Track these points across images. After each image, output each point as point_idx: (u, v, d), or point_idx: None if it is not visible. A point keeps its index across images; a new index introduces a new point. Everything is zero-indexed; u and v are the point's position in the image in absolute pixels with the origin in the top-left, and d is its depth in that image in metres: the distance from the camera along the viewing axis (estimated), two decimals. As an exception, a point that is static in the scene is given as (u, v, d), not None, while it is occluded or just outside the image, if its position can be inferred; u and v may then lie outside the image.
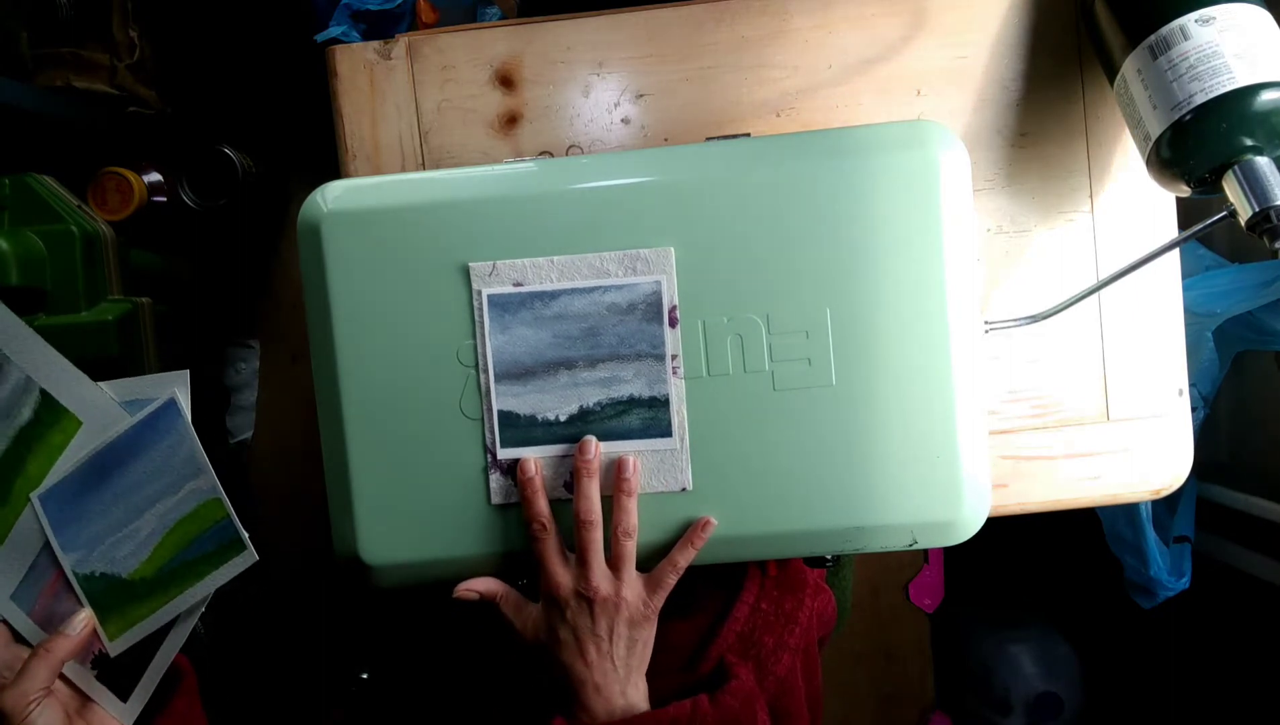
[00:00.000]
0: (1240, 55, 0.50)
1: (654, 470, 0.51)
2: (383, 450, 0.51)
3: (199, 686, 0.55)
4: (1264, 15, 0.51)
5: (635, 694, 0.49)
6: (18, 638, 0.50)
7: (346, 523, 0.52)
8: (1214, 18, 0.51)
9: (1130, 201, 0.63)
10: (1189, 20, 0.51)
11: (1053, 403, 0.63)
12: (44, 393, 0.49)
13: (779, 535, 0.51)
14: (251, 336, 1.13)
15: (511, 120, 0.64)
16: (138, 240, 0.89)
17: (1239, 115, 0.49)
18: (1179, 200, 0.62)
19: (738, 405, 0.50)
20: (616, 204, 0.50)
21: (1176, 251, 0.60)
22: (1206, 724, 1.09)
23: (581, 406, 0.51)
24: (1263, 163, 0.49)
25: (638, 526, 0.50)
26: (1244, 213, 0.49)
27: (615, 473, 0.50)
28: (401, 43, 0.63)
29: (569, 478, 0.51)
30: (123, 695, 0.50)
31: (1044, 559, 1.24)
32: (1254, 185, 0.49)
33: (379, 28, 0.86)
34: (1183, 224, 0.61)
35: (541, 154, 0.64)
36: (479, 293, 0.50)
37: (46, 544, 0.50)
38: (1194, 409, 0.83)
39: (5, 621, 0.50)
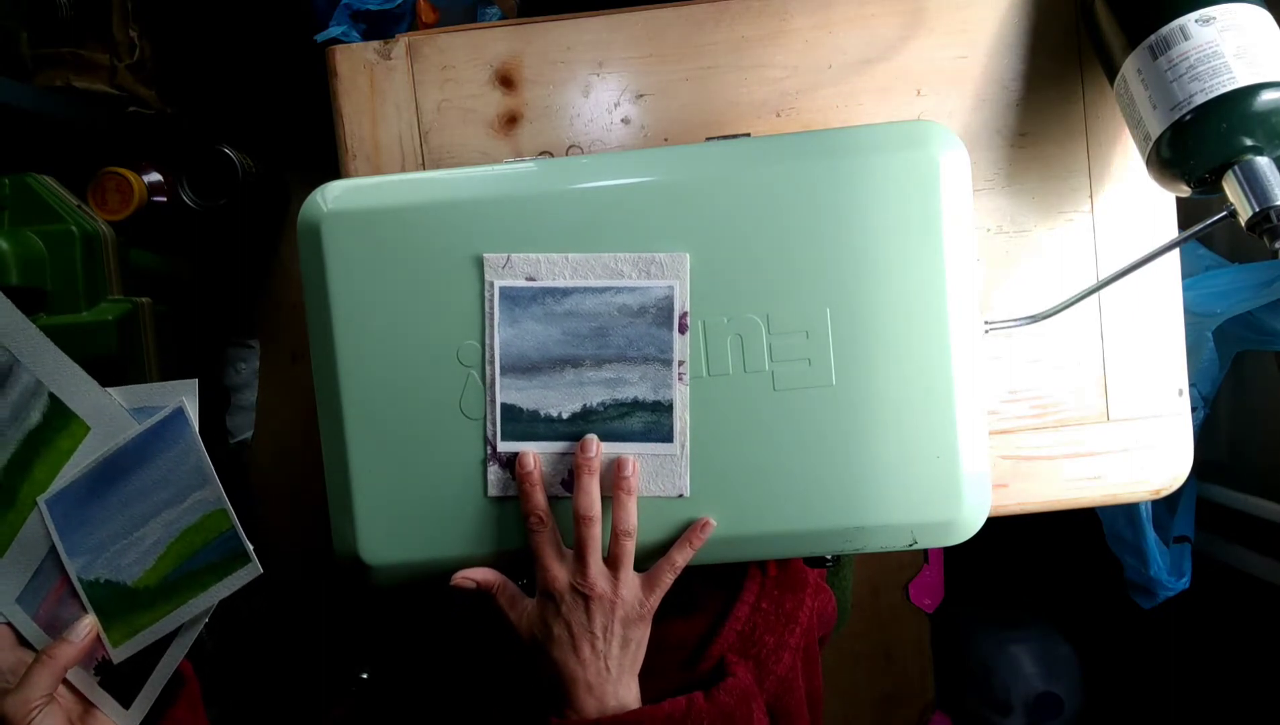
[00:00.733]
0: (1240, 55, 0.50)
1: (653, 474, 0.51)
2: (383, 450, 0.51)
3: (203, 693, 0.55)
4: (1264, 15, 0.51)
5: (628, 694, 0.49)
6: (22, 641, 0.50)
7: (346, 523, 0.52)
8: (1214, 18, 0.51)
9: (1130, 201, 0.63)
10: (1189, 20, 0.51)
11: (1053, 403, 0.63)
12: (53, 397, 0.49)
13: (779, 535, 0.51)
14: (251, 336, 1.13)
15: (511, 120, 0.64)
16: (138, 240, 0.89)
17: (1239, 115, 0.49)
18: (1179, 200, 0.62)
19: (738, 405, 0.50)
20: (616, 204, 0.50)
21: (1176, 251, 0.60)
22: (1206, 724, 1.09)
23: (585, 405, 0.51)
24: (1263, 163, 0.49)
25: (637, 526, 0.50)
26: (1244, 213, 0.49)
27: (615, 471, 0.50)
28: (401, 43, 0.63)
29: (567, 475, 0.51)
30: (125, 702, 0.50)
31: (1044, 559, 1.24)
32: (1254, 185, 0.49)
33: (379, 28, 0.86)
34: (1183, 224, 0.61)
35: (541, 154, 0.64)
36: (491, 284, 0.50)
37: (52, 548, 0.50)
38: (1194, 409, 0.83)
39: (10, 625, 0.50)
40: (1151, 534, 0.91)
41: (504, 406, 0.51)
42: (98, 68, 0.88)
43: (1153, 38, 0.52)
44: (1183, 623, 1.08)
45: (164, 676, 0.51)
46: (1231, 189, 0.50)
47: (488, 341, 0.50)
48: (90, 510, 0.50)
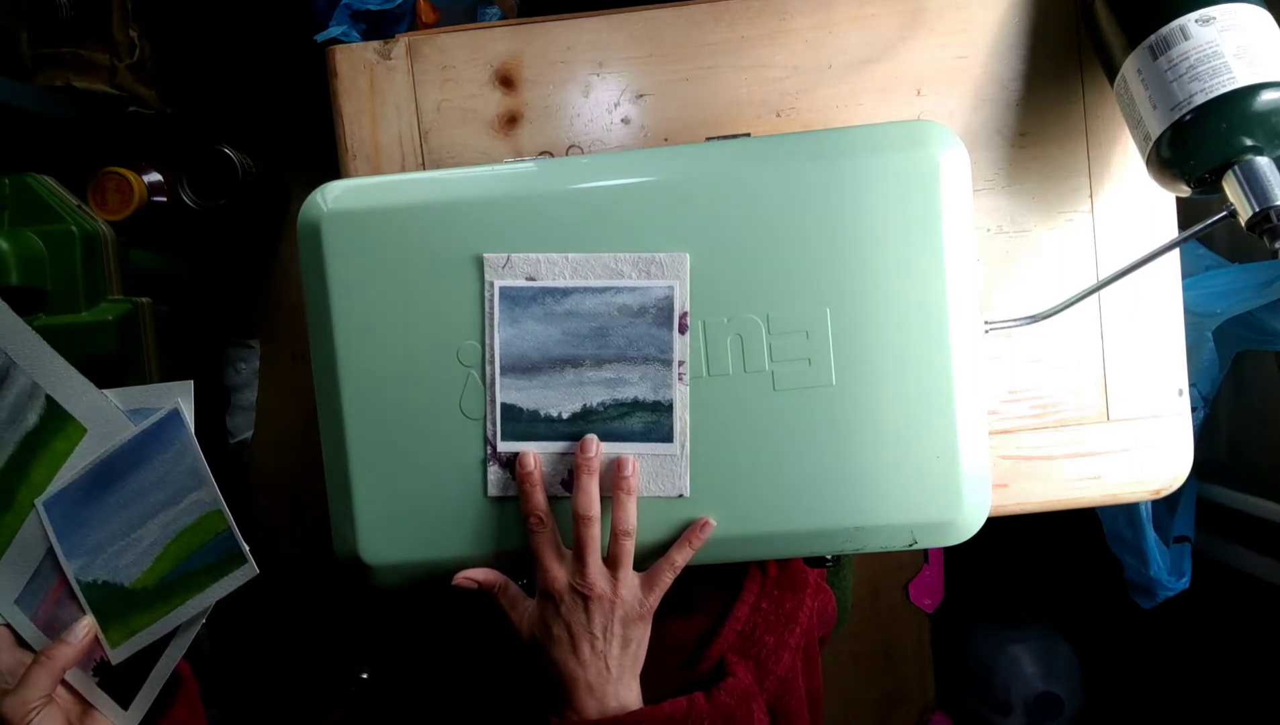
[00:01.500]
0: (1240, 55, 0.50)
1: (652, 474, 0.51)
2: (383, 450, 0.51)
3: (201, 694, 0.55)
4: (1264, 15, 0.51)
5: (628, 695, 0.49)
6: (21, 642, 0.50)
7: (346, 523, 0.52)
8: (1214, 18, 0.51)
9: (1130, 201, 0.63)
10: (1189, 20, 0.51)
11: (1053, 403, 0.63)
12: (50, 399, 0.49)
13: (779, 535, 0.51)
14: (251, 336, 1.13)
15: (511, 120, 0.64)
16: (138, 240, 0.89)
17: (1239, 115, 0.49)
18: (1179, 200, 0.62)
19: (738, 405, 0.50)
20: (616, 204, 0.50)
21: (1176, 251, 0.60)
22: (1206, 724, 1.09)
23: (585, 405, 0.51)
24: (1263, 163, 0.49)
25: (636, 526, 0.50)
26: (1244, 213, 0.49)
27: (615, 471, 0.50)
28: (401, 43, 0.63)
29: (567, 475, 0.51)
30: (124, 703, 0.51)
31: (1044, 559, 1.24)
32: (1254, 185, 0.49)
33: (379, 28, 0.86)
34: (1183, 224, 0.61)
35: (541, 154, 0.64)
36: (491, 284, 0.50)
37: (50, 550, 0.50)
38: (1194, 409, 0.83)
39: (9, 626, 0.50)
40: (1151, 534, 0.91)
41: (504, 406, 0.51)
42: (98, 68, 0.88)
43: (1153, 38, 0.52)
44: (1183, 623, 1.08)
45: (162, 677, 0.51)
46: (1231, 189, 0.50)
47: (488, 341, 0.50)
48: (87, 512, 0.50)
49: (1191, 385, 0.77)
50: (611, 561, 0.49)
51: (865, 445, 0.50)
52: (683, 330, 0.50)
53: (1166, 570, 0.92)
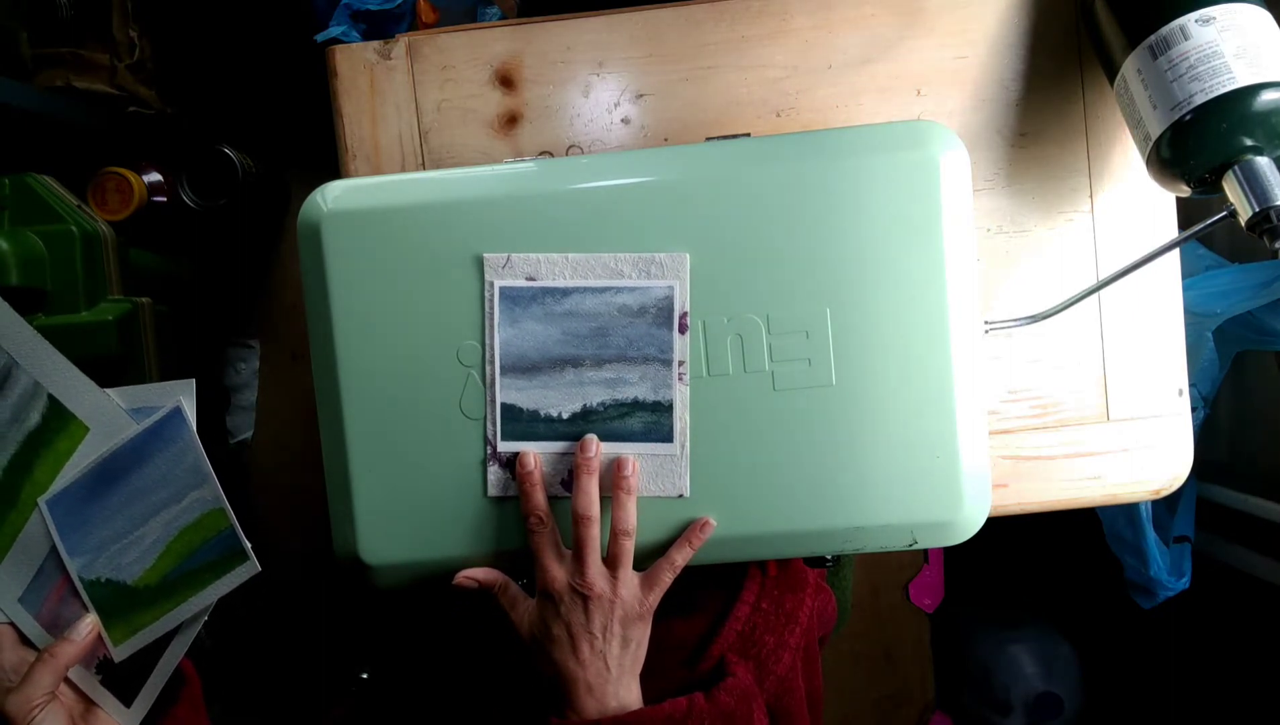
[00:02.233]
0: (1240, 55, 0.50)
1: (652, 474, 0.51)
2: (383, 450, 0.51)
3: (203, 692, 0.55)
4: (1264, 15, 0.51)
5: (628, 695, 0.49)
6: (25, 641, 0.50)
7: (346, 523, 0.52)
8: (1214, 18, 0.51)
9: (1130, 201, 0.63)
10: (1189, 20, 0.51)
11: (1053, 403, 0.64)
12: (52, 398, 0.50)
13: (779, 535, 0.51)
14: (251, 336, 1.13)
15: (511, 120, 0.64)
16: (138, 240, 0.89)
17: (1239, 115, 0.49)
18: (1179, 200, 0.62)
19: (738, 405, 0.50)
20: (616, 204, 0.50)
21: (1176, 251, 0.60)
22: (1206, 724, 1.09)
23: (585, 405, 0.51)
24: (1263, 163, 0.49)
25: (636, 526, 0.50)
26: (1244, 213, 0.49)
27: (615, 471, 0.50)
28: (401, 43, 0.63)
29: (567, 475, 0.51)
30: (127, 700, 0.51)
31: (1044, 559, 1.24)
32: (1254, 185, 0.49)
33: (379, 28, 0.86)
34: (1183, 224, 0.61)
35: (541, 154, 0.64)
36: (491, 284, 0.50)
37: (54, 549, 0.50)
38: (1194, 409, 0.83)
39: (12, 624, 0.50)
40: (1151, 534, 0.91)
41: (504, 406, 0.51)
42: (98, 68, 0.88)
43: (1153, 38, 0.52)
44: (1183, 623, 1.08)
45: (165, 675, 0.51)
46: (1231, 189, 0.50)
47: (488, 341, 0.50)
48: (90, 510, 0.50)
49: (1191, 385, 0.77)
50: (611, 561, 0.49)
51: (865, 445, 0.50)
52: (683, 330, 0.50)
53: (1166, 570, 0.92)
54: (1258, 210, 0.49)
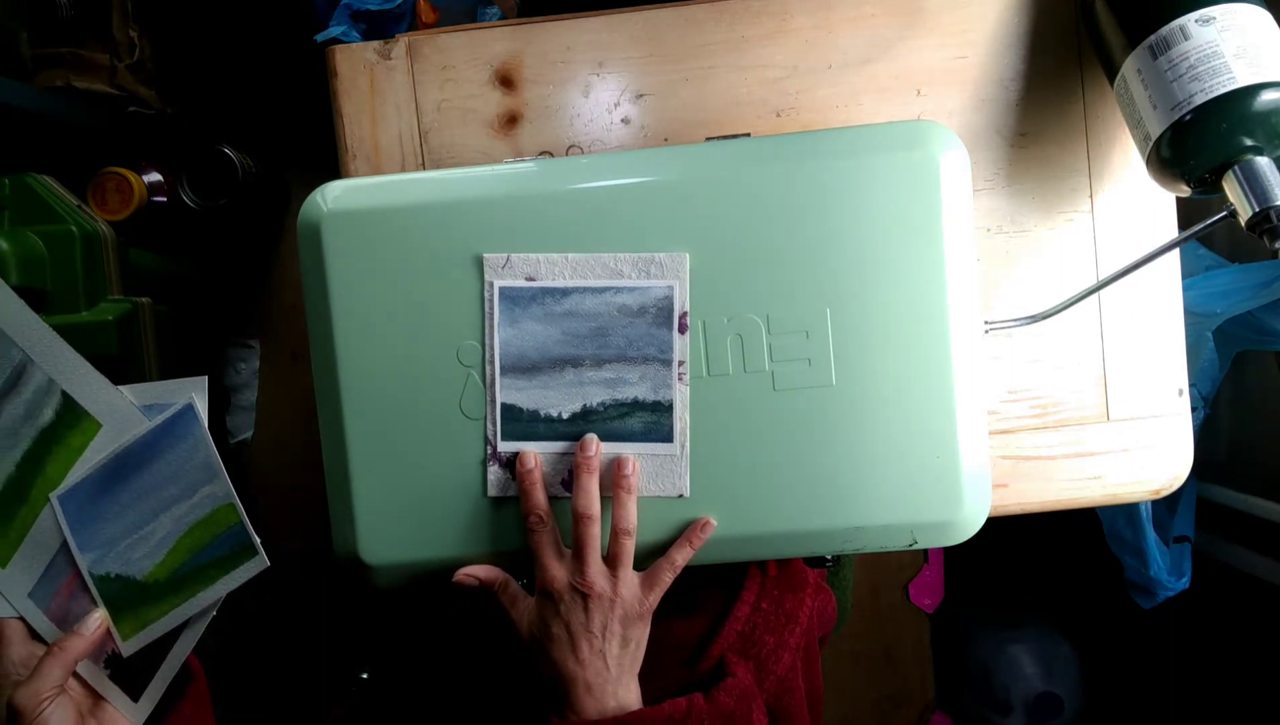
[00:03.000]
0: (1240, 55, 0.50)
1: (652, 474, 0.51)
2: (383, 450, 0.51)
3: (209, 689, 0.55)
4: (1264, 15, 0.51)
5: (627, 695, 0.49)
6: (34, 635, 0.50)
7: (346, 523, 0.52)
8: (1214, 18, 0.51)
9: (1130, 201, 0.63)
10: (1189, 20, 0.51)
11: (1053, 403, 0.64)
12: (65, 395, 0.50)
13: (779, 535, 0.51)
14: (251, 336, 1.13)
15: (511, 120, 0.64)
16: (138, 240, 0.89)
17: (1239, 115, 0.49)
18: (1179, 200, 0.62)
19: (738, 405, 0.50)
20: (616, 204, 0.50)
21: (1176, 251, 0.60)
22: (1206, 724, 1.09)
23: (585, 405, 0.51)
24: (1263, 163, 0.49)
25: (636, 525, 0.50)
26: (1244, 213, 0.49)
27: (615, 470, 0.50)
28: (401, 43, 0.63)
29: (567, 475, 0.51)
30: (134, 695, 0.51)
31: (1044, 559, 1.24)
32: (1254, 185, 0.49)
33: (379, 28, 0.86)
34: (1183, 224, 0.61)
35: (541, 154, 0.64)
36: (491, 284, 0.50)
37: (64, 544, 0.50)
38: (1194, 409, 0.83)
39: (22, 619, 0.50)
40: (1151, 534, 0.91)
41: (504, 406, 0.51)
42: (98, 68, 0.88)
43: (1153, 38, 0.52)
44: (1183, 623, 1.08)
45: (172, 670, 0.51)
46: (1231, 189, 0.50)
47: (488, 341, 0.50)
48: (102, 506, 0.50)
49: (1191, 385, 0.77)
50: (611, 561, 0.49)
51: (865, 445, 0.50)
52: (683, 330, 0.50)
53: (1166, 570, 0.92)
54: (1258, 210, 0.49)
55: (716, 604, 0.58)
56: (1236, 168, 0.50)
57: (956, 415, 0.50)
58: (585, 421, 0.51)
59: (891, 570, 1.16)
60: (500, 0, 0.88)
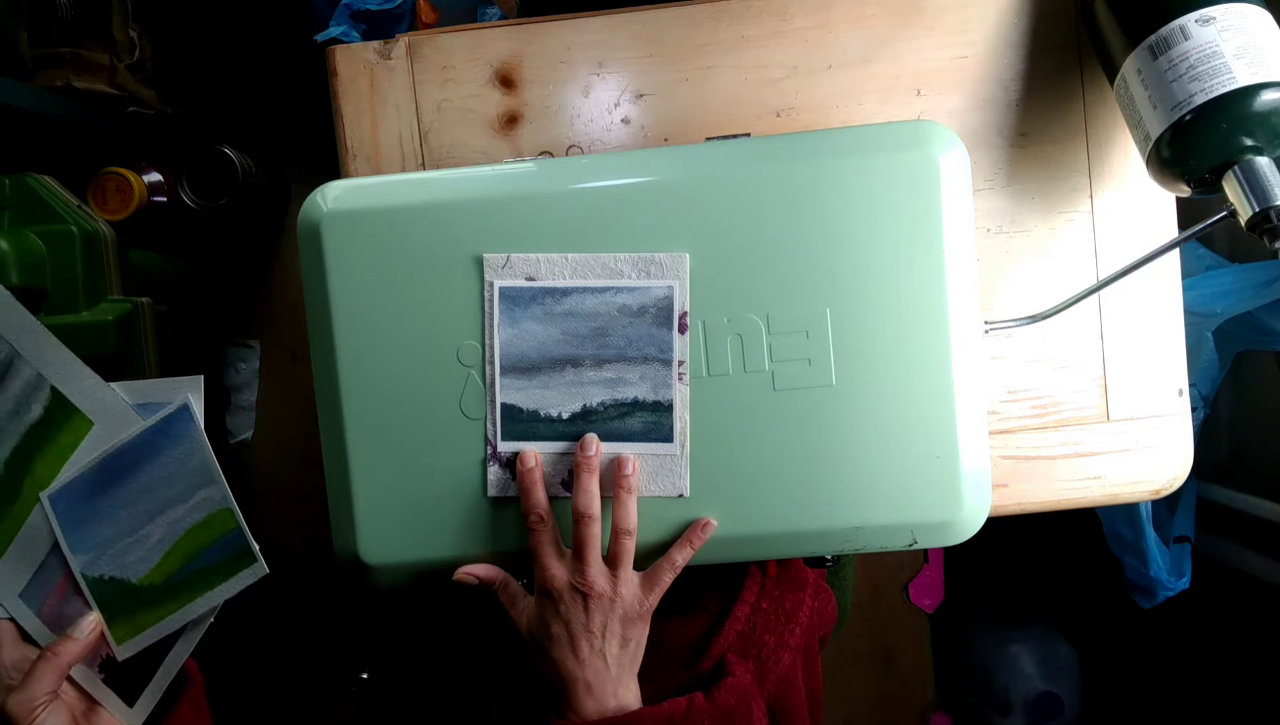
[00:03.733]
0: (1240, 55, 0.50)
1: (652, 474, 0.51)
2: (383, 450, 0.51)
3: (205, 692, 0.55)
4: (1264, 15, 0.51)
5: (627, 694, 0.49)
6: (26, 637, 0.50)
7: (346, 523, 0.52)
8: (1214, 18, 0.51)
9: (1130, 201, 0.63)
10: (1189, 20, 0.51)
11: (1053, 403, 0.64)
12: (55, 391, 0.49)
13: (779, 535, 0.51)
14: (251, 336, 1.13)
15: (511, 120, 0.64)
16: (138, 240, 0.89)
17: (1239, 115, 0.49)
18: (1179, 200, 0.62)
19: (738, 405, 0.50)
20: (616, 204, 0.50)
21: (1176, 251, 0.60)
22: (1206, 724, 1.09)
23: (585, 405, 0.51)
24: (1263, 163, 0.49)
25: (637, 525, 0.50)
26: (1244, 213, 0.49)
27: (615, 470, 0.50)
28: (401, 43, 0.63)
29: (567, 475, 0.51)
30: (130, 700, 0.50)
31: (1044, 559, 1.24)
32: (1254, 185, 0.49)
33: (379, 28, 0.86)
34: (1183, 224, 0.61)
35: (541, 154, 0.64)
36: (491, 284, 0.50)
37: (56, 544, 0.50)
38: (1194, 409, 0.83)
39: (13, 620, 0.50)
40: (1151, 534, 0.91)
41: (504, 406, 0.51)
42: (98, 68, 0.88)
43: (1153, 38, 0.52)
44: (1183, 623, 1.08)
45: (169, 674, 0.51)
46: (1231, 189, 0.50)
47: (488, 341, 0.50)
48: (94, 506, 0.49)
49: (1191, 385, 0.77)
50: (611, 560, 0.49)
51: (865, 445, 0.50)
52: (682, 330, 0.50)
53: (1166, 570, 0.92)
54: (1258, 210, 0.49)
55: (716, 604, 0.58)
56: (1236, 168, 0.50)
57: (956, 415, 0.50)
58: (585, 421, 0.51)
59: (891, 570, 1.16)
60: (500, 0, 0.88)
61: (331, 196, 0.51)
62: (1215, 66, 0.50)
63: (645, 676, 0.51)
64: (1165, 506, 0.96)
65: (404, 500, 0.51)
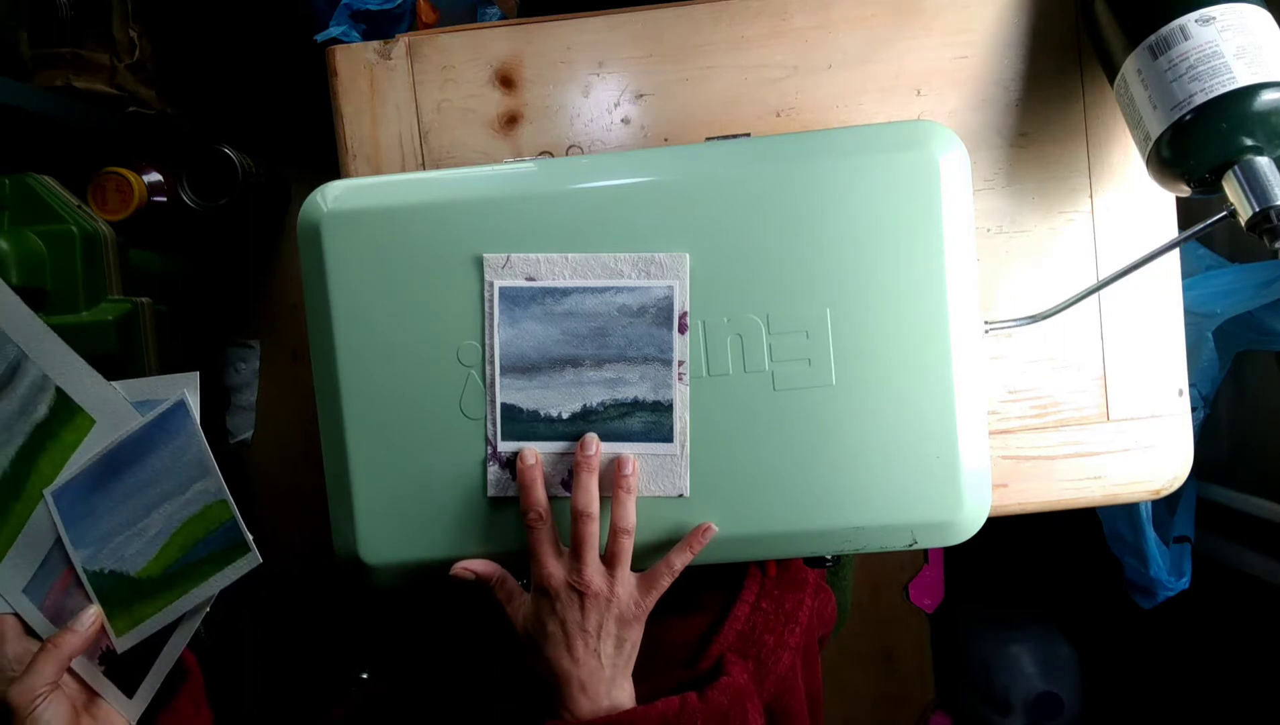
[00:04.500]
0: (1240, 55, 0.50)
1: (652, 474, 0.51)
2: (383, 450, 0.51)
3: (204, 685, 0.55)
4: (1264, 15, 0.51)
5: (621, 694, 0.49)
6: (29, 631, 0.50)
7: (346, 523, 0.52)
8: (1214, 18, 0.51)
9: (1130, 201, 0.63)
10: (1189, 20, 0.51)
11: (1053, 403, 0.64)
12: (59, 391, 0.50)
13: (779, 535, 0.51)
14: (251, 336, 1.13)
15: (511, 120, 0.64)
16: (138, 240, 0.89)
17: (1239, 115, 0.49)
18: (1179, 200, 0.62)
19: (738, 405, 0.50)
20: (616, 204, 0.50)
21: (1176, 251, 0.60)
22: (1206, 724, 1.09)
23: (585, 405, 0.51)
24: (1263, 163, 0.49)
25: (635, 525, 0.50)
26: (1244, 213, 0.49)
27: (615, 470, 0.50)
28: (401, 43, 0.63)
29: (567, 475, 0.51)
30: (129, 691, 0.51)
31: (1044, 559, 1.24)
32: (1254, 185, 0.49)
33: (379, 28, 0.86)
34: (1183, 224, 0.61)
35: (541, 154, 0.64)
36: (491, 285, 0.50)
37: (58, 540, 0.50)
38: (1194, 409, 0.83)
39: (17, 615, 0.50)
40: (1151, 534, 0.91)
41: (504, 406, 0.51)
42: (98, 68, 0.88)
43: (1153, 38, 0.52)
44: (1183, 623, 1.08)
45: (167, 665, 0.51)
46: (1231, 189, 0.50)
47: (488, 341, 0.50)
48: (95, 502, 0.50)
49: (1191, 385, 0.77)
50: (609, 559, 0.49)
51: (865, 445, 0.50)
52: (682, 330, 0.50)
53: (1166, 570, 0.92)
54: (1258, 210, 0.49)
55: (716, 604, 0.58)
56: (1236, 168, 0.50)
57: (956, 415, 0.50)
58: (585, 421, 0.51)
59: (891, 570, 1.16)
60: (500, 0, 0.88)
61: (331, 196, 0.51)
62: (1215, 66, 0.50)
63: (645, 676, 0.51)
64: (1165, 506, 0.96)
65: (404, 500, 0.51)
